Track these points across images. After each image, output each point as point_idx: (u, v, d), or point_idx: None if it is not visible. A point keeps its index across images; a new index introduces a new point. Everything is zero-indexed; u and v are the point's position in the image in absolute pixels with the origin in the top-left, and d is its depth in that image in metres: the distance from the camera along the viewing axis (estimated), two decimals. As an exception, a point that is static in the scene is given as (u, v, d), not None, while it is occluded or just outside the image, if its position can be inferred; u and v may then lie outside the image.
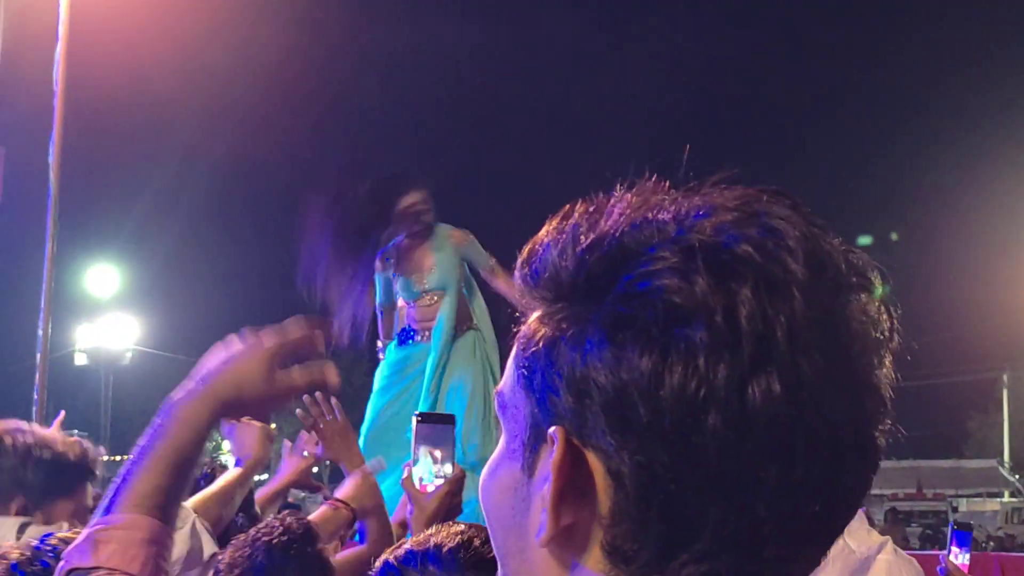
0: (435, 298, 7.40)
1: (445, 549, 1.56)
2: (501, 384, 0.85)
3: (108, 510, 1.52)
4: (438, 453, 2.69)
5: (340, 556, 3.36)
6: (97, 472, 3.40)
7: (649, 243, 0.76)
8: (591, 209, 0.81)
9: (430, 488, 2.66)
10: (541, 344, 0.78)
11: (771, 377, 0.72)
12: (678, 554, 0.74)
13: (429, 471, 2.67)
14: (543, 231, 0.83)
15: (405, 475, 2.70)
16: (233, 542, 2.68)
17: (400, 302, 7.53)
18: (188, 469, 1.59)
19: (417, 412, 2.85)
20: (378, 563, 1.64)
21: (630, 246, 0.77)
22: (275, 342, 1.63)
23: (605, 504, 0.75)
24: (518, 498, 0.81)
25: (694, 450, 0.72)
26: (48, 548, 2.17)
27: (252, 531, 2.66)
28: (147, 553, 1.50)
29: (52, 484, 3.23)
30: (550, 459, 0.76)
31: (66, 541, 2.07)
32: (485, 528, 1.65)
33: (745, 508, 0.73)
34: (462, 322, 7.42)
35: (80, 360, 34.16)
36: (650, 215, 0.78)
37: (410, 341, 7.42)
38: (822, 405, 0.73)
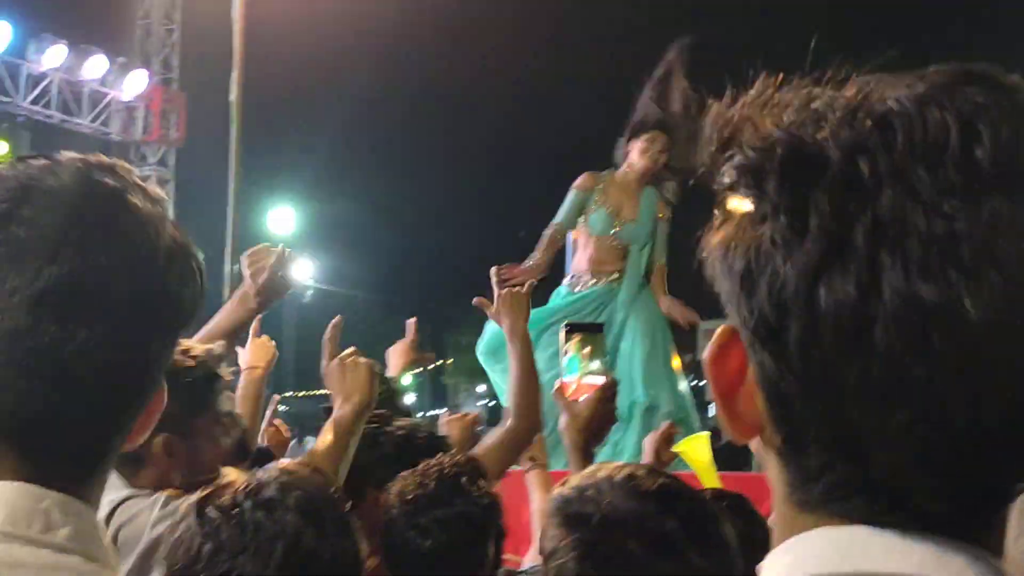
0: (618, 246, 7.38)
1: (615, 479, 1.60)
2: None
3: None
4: (587, 353, 2.66)
5: (481, 446, 3.33)
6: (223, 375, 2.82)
7: (739, 138, 0.77)
8: (721, 105, 0.80)
9: (585, 384, 2.62)
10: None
11: (846, 277, 0.70)
12: (805, 459, 0.74)
13: (577, 369, 2.64)
14: None
15: (556, 387, 2.66)
16: (403, 474, 2.66)
17: (578, 233, 7.47)
18: None
19: (566, 323, 2.83)
20: (552, 497, 1.66)
21: (728, 140, 0.77)
22: None
23: (760, 404, 0.76)
24: None
25: (781, 351, 0.72)
26: (273, 478, 1.89)
27: (422, 465, 2.66)
28: None
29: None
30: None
31: (288, 472, 1.91)
32: (642, 464, 1.72)
33: (836, 411, 0.71)
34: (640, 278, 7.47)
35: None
36: (747, 109, 0.78)
37: (580, 287, 7.40)
38: (903, 307, 0.69)
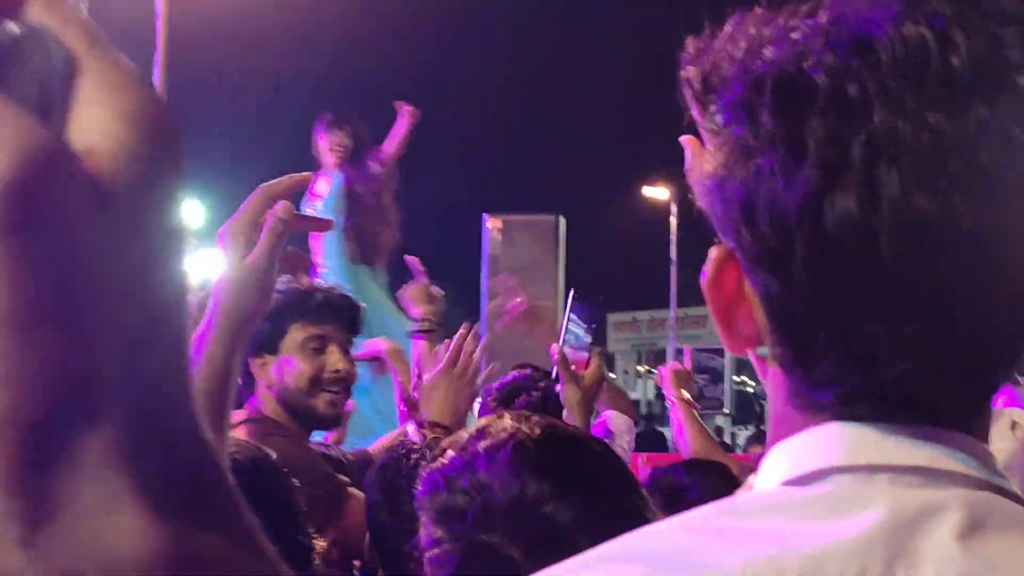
0: None
1: (498, 451, 1.28)
2: None
3: None
4: (584, 329, 2.75)
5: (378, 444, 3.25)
6: None
7: (725, 77, 0.79)
8: (697, 44, 0.83)
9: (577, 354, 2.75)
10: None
11: (846, 197, 0.72)
12: (814, 371, 0.77)
13: (579, 339, 2.73)
14: None
15: (558, 356, 2.70)
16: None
17: None
18: (222, 407, 1.56)
19: (574, 292, 2.95)
20: (423, 473, 1.36)
21: (712, 80, 0.80)
22: (229, 226, 1.62)
23: (760, 320, 0.80)
24: None
25: (786, 273, 0.75)
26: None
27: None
28: None
29: None
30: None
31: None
32: (537, 418, 1.39)
33: (846, 327, 0.74)
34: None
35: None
36: (728, 48, 0.80)
37: None
38: (903, 219, 0.71)
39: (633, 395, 40.07)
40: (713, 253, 0.81)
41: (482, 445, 1.30)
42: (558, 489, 1.25)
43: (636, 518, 1.24)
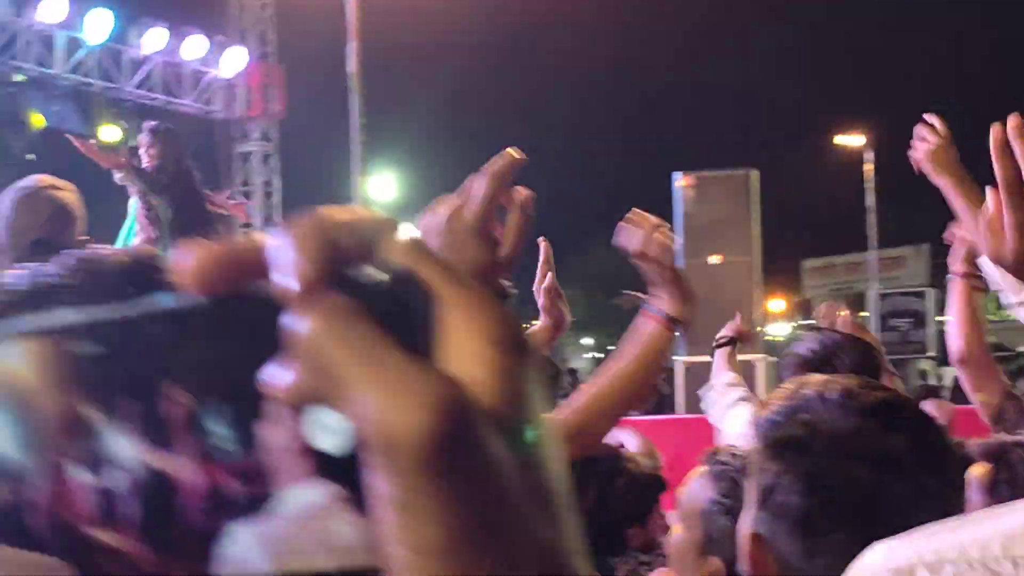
0: None
1: (829, 396, 1.43)
2: None
3: None
4: None
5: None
6: None
7: None
8: None
9: None
10: None
11: None
12: None
13: None
14: None
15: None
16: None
17: None
18: None
19: None
20: (756, 423, 1.50)
21: None
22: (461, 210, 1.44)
23: None
24: None
25: None
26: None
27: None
28: None
29: None
30: None
31: None
32: (852, 376, 1.57)
33: None
34: None
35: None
36: None
37: None
38: None
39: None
40: None
41: (808, 392, 1.45)
42: (886, 425, 1.42)
43: (948, 451, 1.46)
